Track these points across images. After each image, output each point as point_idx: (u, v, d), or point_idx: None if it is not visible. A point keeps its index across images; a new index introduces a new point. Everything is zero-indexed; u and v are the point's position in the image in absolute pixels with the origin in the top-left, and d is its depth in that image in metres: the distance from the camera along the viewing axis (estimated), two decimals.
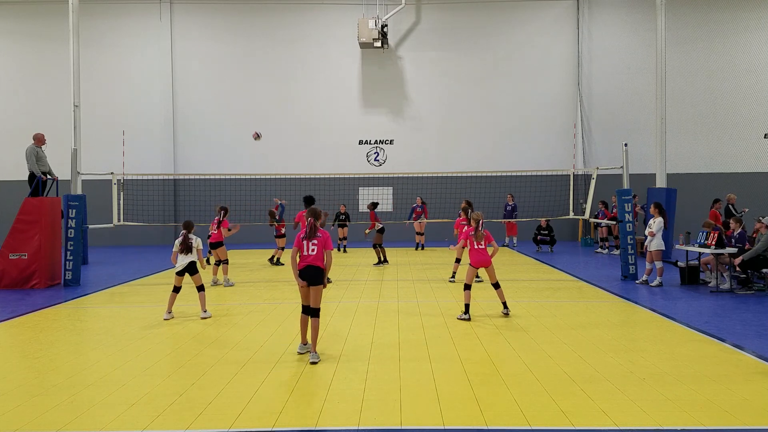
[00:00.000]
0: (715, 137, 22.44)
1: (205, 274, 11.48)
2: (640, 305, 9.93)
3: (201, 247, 9.20)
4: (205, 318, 9.08)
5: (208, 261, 14.10)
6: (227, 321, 9.03)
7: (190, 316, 9.27)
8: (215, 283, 12.56)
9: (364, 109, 23.41)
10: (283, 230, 15.85)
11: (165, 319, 8.99)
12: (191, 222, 9.36)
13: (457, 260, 12.63)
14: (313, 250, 6.80)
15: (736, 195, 17.03)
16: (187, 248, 9.02)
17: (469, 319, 8.75)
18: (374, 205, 16.38)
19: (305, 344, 7.02)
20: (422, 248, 19.32)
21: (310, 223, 6.88)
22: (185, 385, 5.90)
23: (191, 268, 9.10)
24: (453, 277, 12.71)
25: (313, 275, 6.77)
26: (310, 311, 6.84)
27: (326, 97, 23.30)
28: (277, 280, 13.47)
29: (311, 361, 6.63)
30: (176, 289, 9.19)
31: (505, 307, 9.13)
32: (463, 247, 12.46)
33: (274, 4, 23.30)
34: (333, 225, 18.94)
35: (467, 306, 8.82)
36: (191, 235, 9.13)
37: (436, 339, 7.70)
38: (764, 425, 4.82)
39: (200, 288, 9.26)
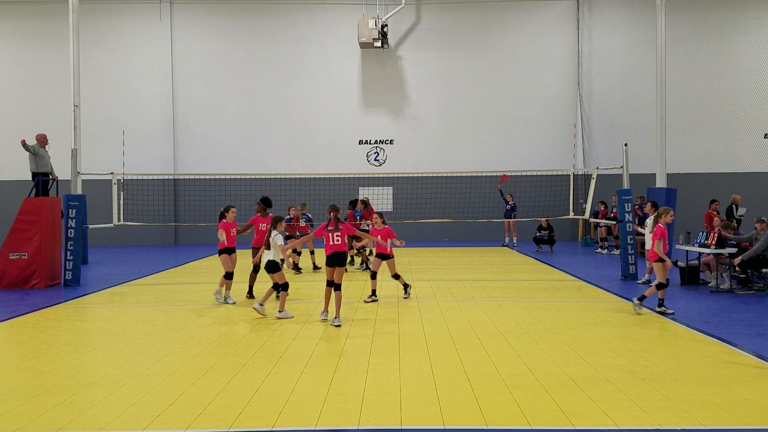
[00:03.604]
0: (715, 137, 22.38)
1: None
2: None
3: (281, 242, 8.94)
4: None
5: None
6: (227, 321, 9.04)
7: (190, 316, 9.27)
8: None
9: (364, 109, 23.39)
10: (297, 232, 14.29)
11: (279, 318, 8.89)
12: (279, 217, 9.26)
13: (396, 276, 10.74)
14: (337, 240, 8.34)
15: (740, 196, 16.97)
16: (267, 244, 9.14)
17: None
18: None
19: (326, 312, 8.59)
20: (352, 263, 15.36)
21: (333, 216, 8.38)
22: (185, 385, 5.90)
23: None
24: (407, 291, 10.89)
25: (338, 259, 8.41)
26: (334, 285, 8.42)
27: (326, 96, 23.27)
28: None
29: (333, 324, 8.27)
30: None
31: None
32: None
33: (274, 4, 23.29)
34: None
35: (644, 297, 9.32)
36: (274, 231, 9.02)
37: (436, 339, 7.70)
38: (764, 425, 4.82)
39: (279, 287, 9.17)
